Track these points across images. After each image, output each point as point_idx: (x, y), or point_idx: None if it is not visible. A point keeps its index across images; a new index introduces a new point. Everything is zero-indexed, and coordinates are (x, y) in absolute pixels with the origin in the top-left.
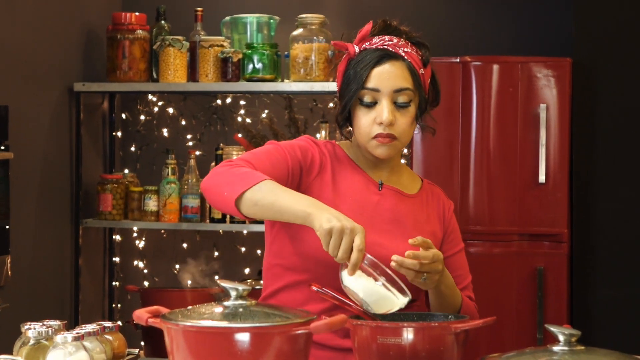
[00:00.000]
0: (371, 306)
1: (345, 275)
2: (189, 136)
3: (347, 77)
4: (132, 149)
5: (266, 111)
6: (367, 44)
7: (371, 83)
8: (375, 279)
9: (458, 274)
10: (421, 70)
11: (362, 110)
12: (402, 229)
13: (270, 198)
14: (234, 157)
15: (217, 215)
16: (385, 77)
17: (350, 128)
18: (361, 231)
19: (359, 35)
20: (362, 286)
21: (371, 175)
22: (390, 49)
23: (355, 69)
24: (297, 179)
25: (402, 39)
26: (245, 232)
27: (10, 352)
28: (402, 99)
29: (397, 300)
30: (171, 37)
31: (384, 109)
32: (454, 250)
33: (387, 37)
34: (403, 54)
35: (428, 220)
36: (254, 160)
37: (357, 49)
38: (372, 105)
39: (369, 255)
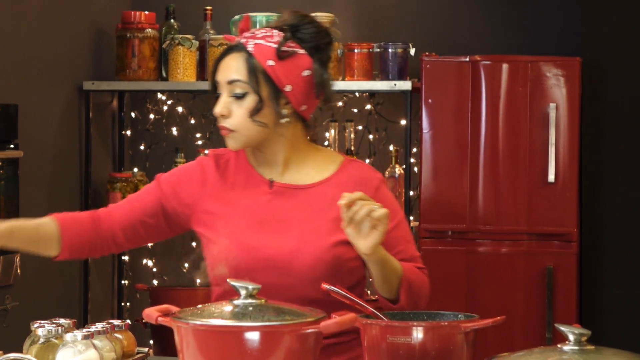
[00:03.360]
0: None
1: None
2: (198, 135)
3: None
4: (142, 147)
5: None
6: (244, 35)
7: (215, 76)
8: None
9: (399, 250)
10: (269, 62)
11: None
12: (293, 226)
13: None
14: None
15: None
16: (222, 70)
17: None
18: None
19: (238, 31)
20: None
21: (265, 173)
22: (241, 41)
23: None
24: (171, 206)
25: (273, 31)
26: None
27: (20, 351)
28: (235, 90)
29: None
30: (180, 35)
31: (219, 101)
32: (389, 227)
33: (258, 31)
34: (250, 46)
35: (334, 205)
36: (114, 206)
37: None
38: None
39: None
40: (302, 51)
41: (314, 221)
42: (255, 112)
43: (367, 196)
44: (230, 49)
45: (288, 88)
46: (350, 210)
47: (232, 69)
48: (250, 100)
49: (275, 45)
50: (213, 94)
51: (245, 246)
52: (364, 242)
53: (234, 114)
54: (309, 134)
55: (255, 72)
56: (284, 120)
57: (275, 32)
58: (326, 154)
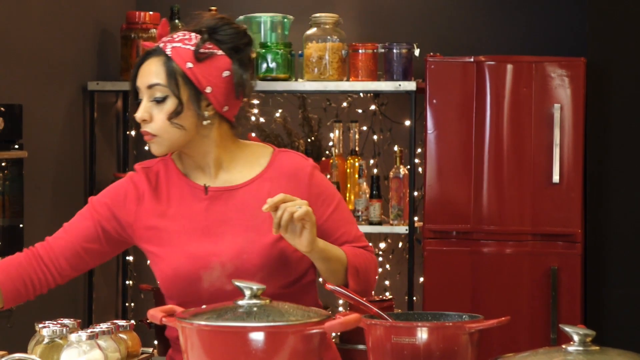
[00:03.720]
0: None
1: None
2: None
3: None
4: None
5: (280, 110)
6: (162, 40)
7: (136, 81)
8: None
9: (342, 233)
10: (188, 65)
11: None
12: (235, 228)
13: None
14: None
15: None
16: (142, 74)
17: None
18: None
19: (157, 34)
20: None
21: (198, 179)
22: (160, 46)
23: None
24: (112, 227)
25: (189, 33)
26: None
27: (24, 351)
28: (155, 94)
29: None
30: None
31: (140, 107)
32: (328, 212)
33: (176, 34)
34: (168, 50)
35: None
36: (52, 238)
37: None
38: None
39: None
40: (220, 52)
41: (254, 219)
42: (174, 115)
43: (289, 196)
44: (149, 54)
45: (208, 89)
46: (276, 217)
47: (152, 73)
48: (170, 104)
49: (193, 48)
50: (135, 101)
51: (192, 256)
52: (300, 242)
53: (155, 118)
54: (236, 133)
55: (174, 75)
56: (206, 122)
57: (193, 35)
58: (255, 148)
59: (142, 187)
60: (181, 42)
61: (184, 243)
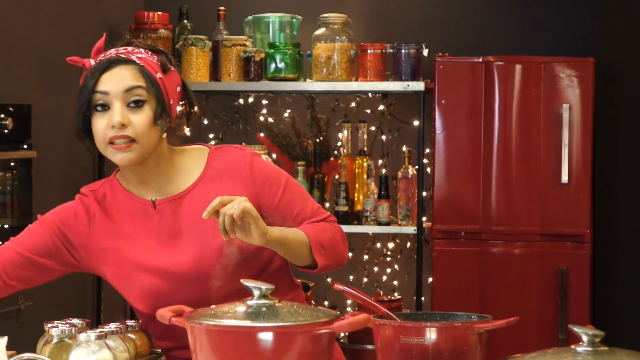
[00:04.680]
0: None
1: None
2: (211, 135)
3: (81, 88)
4: None
5: (288, 110)
6: (102, 55)
7: (101, 87)
8: None
9: (298, 211)
10: (158, 75)
11: (97, 116)
12: (189, 235)
13: None
14: None
15: None
16: (114, 79)
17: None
18: None
19: (94, 49)
20: None
21: (144, 195)
22: (123, 56)
23: (86, 78)
24: (62, 242)
25: (138, 47)
26: None
27: (33, 351)
28: (134, 97)
29: None
30: (194, 36)
31: (115, 111)
32: (279, 195)
33: (122, 48)
34: (135, 59)
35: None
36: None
37: (92, 62)
38: (107, 109)
39: None
40: (173, 69)
41: (204, 223)
42: (158, 117)
43: (226, 197)
44: (114, 62)
45: (171, 101)
46: (219, 223)
47: (128, 77)
48: (151, 107)
49: (151, 59)
50: (80, 113)
51: (155, 271)
52: (252, 238)
53: (133, 122)
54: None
55: (151, 80)
56: (164, 135)
57: (143, 50)
58: (192, 152)
59: (93, 209)
60: (143, 54)
61: (143, 261)
